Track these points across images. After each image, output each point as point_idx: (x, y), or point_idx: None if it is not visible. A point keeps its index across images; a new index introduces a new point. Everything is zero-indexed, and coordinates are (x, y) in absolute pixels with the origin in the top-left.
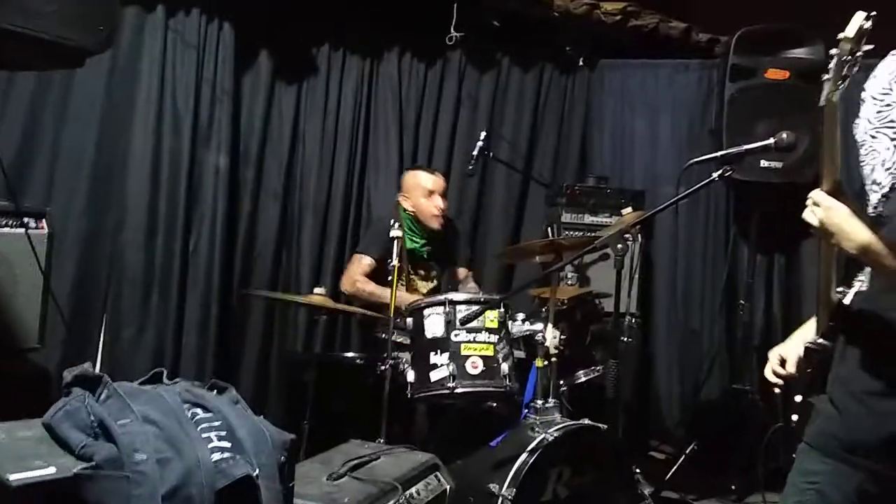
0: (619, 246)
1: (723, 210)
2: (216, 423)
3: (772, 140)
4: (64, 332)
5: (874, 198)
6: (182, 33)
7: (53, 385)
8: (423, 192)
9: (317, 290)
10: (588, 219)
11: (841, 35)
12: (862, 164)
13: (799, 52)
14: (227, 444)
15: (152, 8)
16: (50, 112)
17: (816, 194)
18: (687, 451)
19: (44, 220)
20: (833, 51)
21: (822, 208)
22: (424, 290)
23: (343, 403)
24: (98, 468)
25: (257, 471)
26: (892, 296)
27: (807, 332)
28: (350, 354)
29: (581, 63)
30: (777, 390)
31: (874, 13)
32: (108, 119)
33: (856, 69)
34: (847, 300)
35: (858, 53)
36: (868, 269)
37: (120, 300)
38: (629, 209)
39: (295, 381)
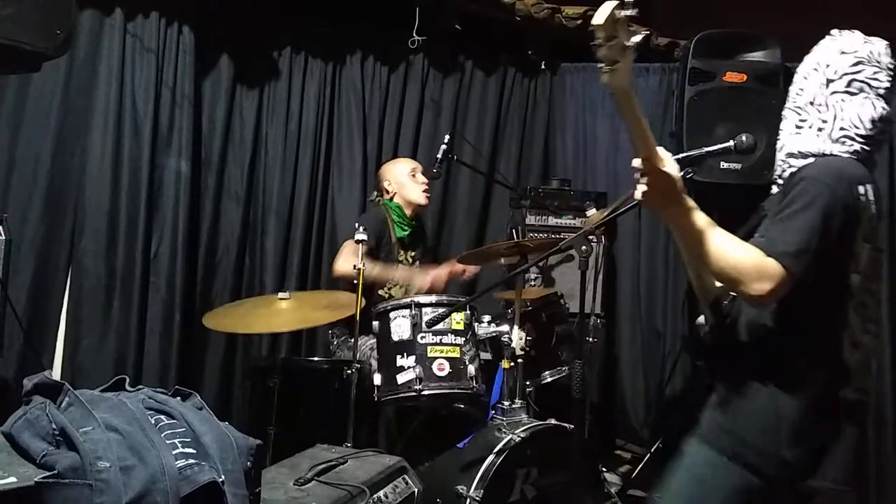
0: (584, 247)
1: None
2: (180, 430)
3: (732, 142)
4: (22, 341)
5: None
6: (141, 37)
7: (12, 394)
8: (406, 173)
9: (281, 294)
10: (552, 221)
11: (592, 23)
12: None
13: (756, 56)
14: (191, 451)
15: (110, 11)
16: (5, 117)
17: (637, 162)
18: (652, 450)
19: (0, 227)
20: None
21: (646, 177)
22: None
23: (309, 408)
24: (60, 477)
25: (223, 477)
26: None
27: None
28: (316, 359)
29: (543, 67)
30: None
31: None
32: (65, 124)
33: (631, 55)
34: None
35: (630, 42)
36: None
37: (80, 307)
38: (593, 211)
39: (260, 387)
